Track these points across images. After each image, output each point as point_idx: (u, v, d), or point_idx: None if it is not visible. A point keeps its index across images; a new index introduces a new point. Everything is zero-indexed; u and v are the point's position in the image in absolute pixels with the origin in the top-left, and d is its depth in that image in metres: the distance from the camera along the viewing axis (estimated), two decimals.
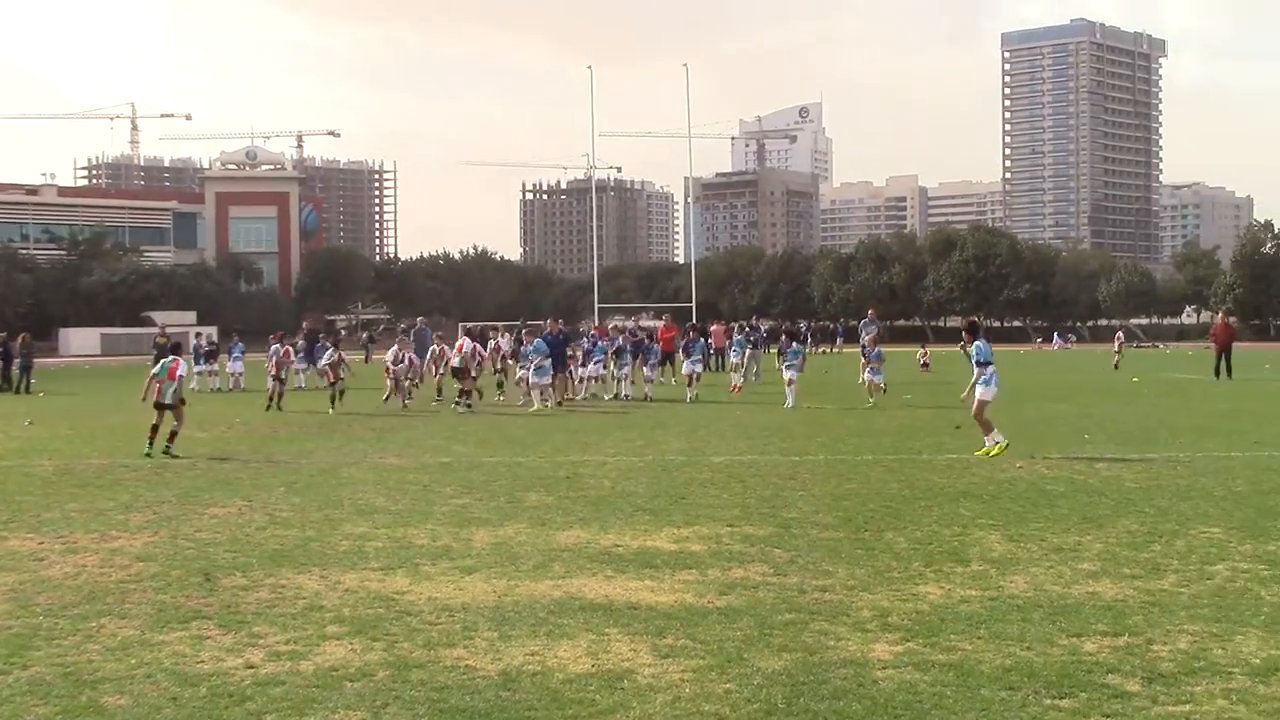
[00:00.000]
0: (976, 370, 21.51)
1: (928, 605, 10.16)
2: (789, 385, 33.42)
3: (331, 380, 33.43)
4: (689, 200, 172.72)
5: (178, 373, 22.50)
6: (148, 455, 21.56)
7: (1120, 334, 70.35)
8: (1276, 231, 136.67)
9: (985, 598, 10.42)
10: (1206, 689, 7.85)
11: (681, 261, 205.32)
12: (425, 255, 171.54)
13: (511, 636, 9.22)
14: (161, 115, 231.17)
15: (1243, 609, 9.97)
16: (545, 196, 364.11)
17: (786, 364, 34.72)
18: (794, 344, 36.72)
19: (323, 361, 36.33)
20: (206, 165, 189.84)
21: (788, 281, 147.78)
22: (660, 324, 51.18)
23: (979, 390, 21.40)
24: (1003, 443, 20.86)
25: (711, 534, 13.53)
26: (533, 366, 33.08)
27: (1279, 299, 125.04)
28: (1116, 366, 57.41)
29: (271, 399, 33.85)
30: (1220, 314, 67.52)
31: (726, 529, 13.87)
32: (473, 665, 8.47)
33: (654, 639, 9.11)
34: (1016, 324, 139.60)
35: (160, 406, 22.18)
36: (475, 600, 10.41)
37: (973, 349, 21.92)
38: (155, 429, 22.06)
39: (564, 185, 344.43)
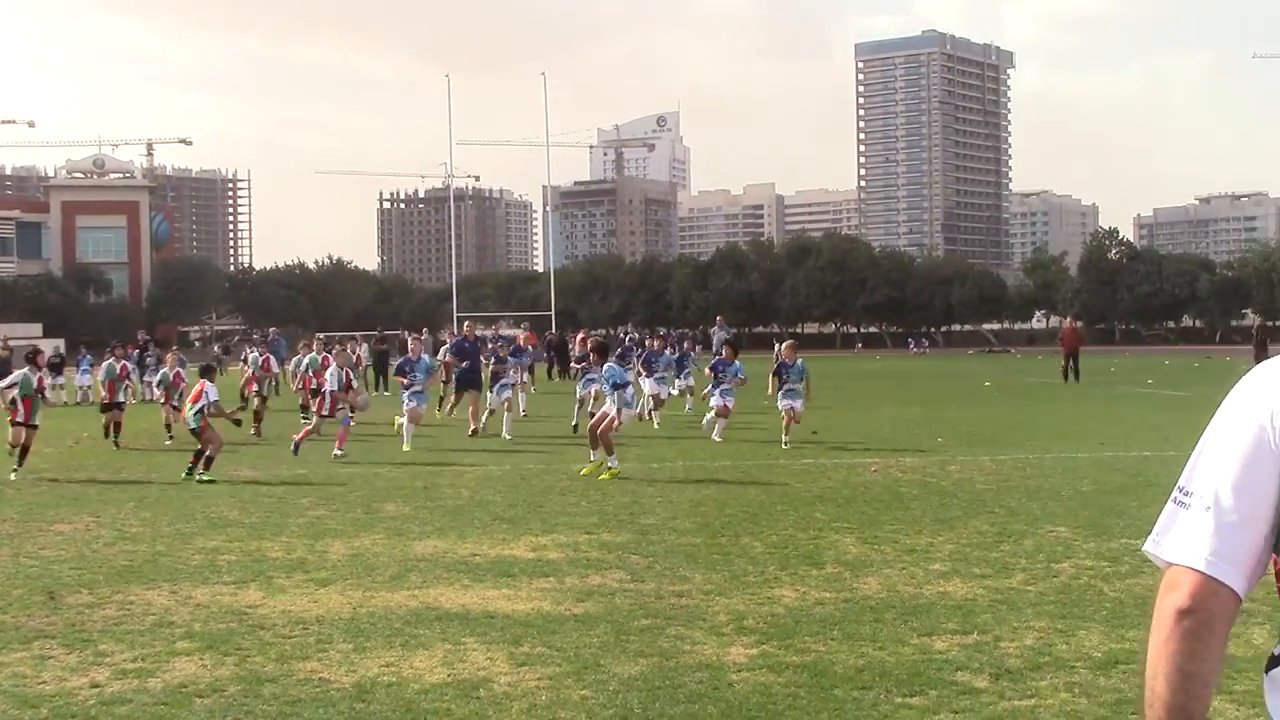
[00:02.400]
0: (614, 392, 20.26)
1: (783, 608, 10.26)
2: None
3: (164, 401, 28.19)
4: (548, 209, 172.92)
5: (204, 393, 20.61)
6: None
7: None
8: (1121, 238, 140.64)
9: (839, 599, 10.55)
10: (1051, 683, 8.04)
11: (541, 270, 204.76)
12: (280, 265, 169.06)
13: (366, 648, 9.13)
14: (2, 122, 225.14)
15: (1086, 605, 10.23)
16: (403, 205, 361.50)
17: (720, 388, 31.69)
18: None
19: (155, 379, 32.64)
20: (52, 173, 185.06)
21: (647, 289, 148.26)
22: (520, 333, 51.12)
23: (616, 409, 20.04)
24: (615, 469, 19.28)
25: (569, 542, 13.53)
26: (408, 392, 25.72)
27: (1124, 304, 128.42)
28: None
29: (108, 430, 27.12)
30: (1068, 319, 69.16)
31: (584, 536, 13.88)
32: (326, 678, 8.37)
33: (510, 647, 9.08)
34: (873, 330, 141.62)
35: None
36: (330, 612, 10.29)
37: (606, 372, 20.98)
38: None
39: (422, 194, 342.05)
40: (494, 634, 9.49)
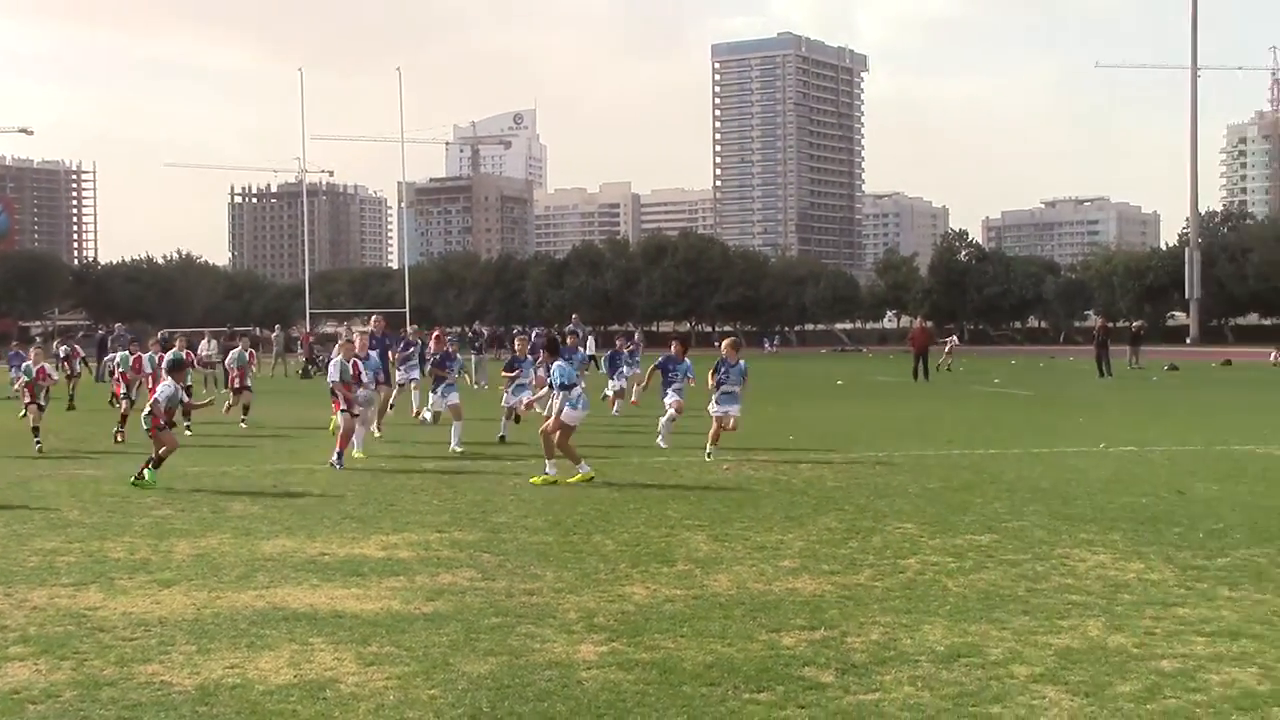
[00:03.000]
0: (560, 394, 18.88)
1: (633, 605, 10.29)
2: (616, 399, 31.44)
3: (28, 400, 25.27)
4: (403, 205, 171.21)
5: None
6: None
7: (953, 338, 71.82)
8: (970, 240, 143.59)
9: (689, 596, 10.61)
10: (895, 677, 8.16)
11: (395, 267, 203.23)
12: (127, 260, 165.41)
13: (210, 650, 8.96)
14: None
15: (930, 600, 10.41)
16: (255, 200, 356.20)
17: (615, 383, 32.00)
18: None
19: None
20: None
21: (502, 287, 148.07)
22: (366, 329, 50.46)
23: (565, 412, 18.78)
24: (587, 473, 18.28)
25: (420, 540, 13.41)
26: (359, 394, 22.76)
27: (973, 304, 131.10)
28: (949, 369, 58.43)
29: None
30: (918, 319, 70.34)
31: (436, 535, 13.78)
32: (168, 681, 8.19)
33: (359, 647, 8.98)
34: (728, 329, 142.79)
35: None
36: (173, 614, 10.08)
37: (554, 371, 19.30)
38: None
39: (274, 189, 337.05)
40: (342, 634, 9.38)
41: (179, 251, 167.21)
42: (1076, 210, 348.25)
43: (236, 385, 30.41)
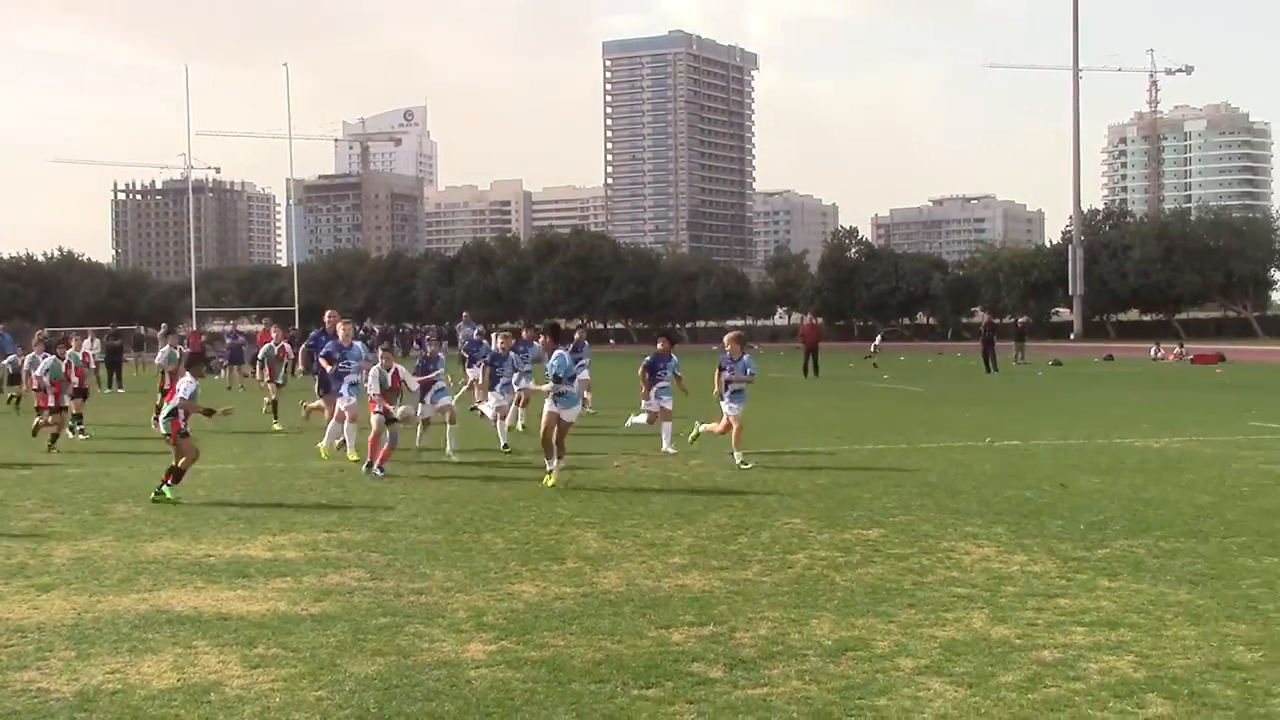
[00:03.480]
0: (553, 385, 17.99)
1: (522, 603, 10.26)
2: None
3: None
4: (291, 202, 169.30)
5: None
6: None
7: (879, 337, 72.06)
8: (860, 238, 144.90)
9: (579, 594, 10.60)
10: (783, 671, 8.21)
11: (284, 264, 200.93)
12: (5, 257, 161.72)
13: (90, 655, 8.79)
14: None
15: (818, 594, 10.49)
16: (139, 197, 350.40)
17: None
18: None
19: None
20: None
21: (392, 285, 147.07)
22: (260, 329, 50.02)
23: (567, 411, 18.16)
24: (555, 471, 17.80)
25: (308, 540, 13.27)
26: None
27: (862, 301, 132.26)
28: (875, 365, 58.68)
29: None
30: (808, 316, 70.92)
31: (324, 535, 13.64)
32: (46, 687, 8.02)
33: (244, 649, 8.87)
34: (619, 326, 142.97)
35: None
36: (52, 619, 9.87)
37: (554, 360, 18.18)
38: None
39: (159, 185, 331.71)
40: (227, 636, 9.25)
41: (60, 249, 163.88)
42: (964, 208, 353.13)
43: (53, 405, 24.66)
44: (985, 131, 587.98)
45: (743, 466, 19.43)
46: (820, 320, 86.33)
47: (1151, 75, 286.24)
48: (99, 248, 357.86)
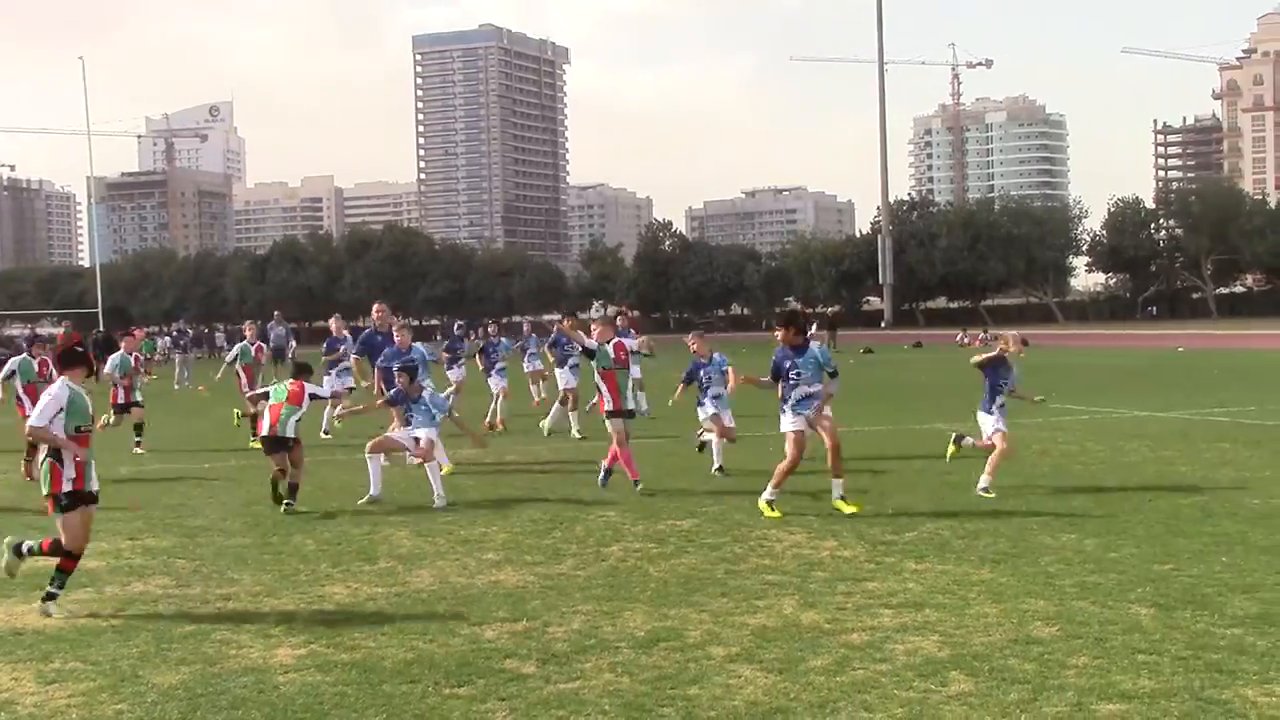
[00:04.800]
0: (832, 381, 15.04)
1: (333, 605, 10.12)
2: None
3: None
4: (92, 200, 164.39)
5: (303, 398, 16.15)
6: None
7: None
8: (674, 230, 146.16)
9: (391, 594, 10.49)
10: (595, 664, 8.22)
11: (86, 265, 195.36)
12: None
13: None
14: None
15: (632, 586, 10.53)
16: None
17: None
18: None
19: None
20: None
21: (202, 284, 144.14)
22: (60, 331, 48.57)
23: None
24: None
25: (110, 549, 12.88)
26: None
27: (678, 294, 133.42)
28: None
29: None
30: (624, 307, 71.03)
31: (127, 542, 13.27)
32: None
33: (39, 665, 8.57)
34: (434, 322, 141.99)
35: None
36: None
37: (816, 351, 15.07)
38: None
39: None
40: (21, 652, 8.94)
41: None
42: (776, 199, 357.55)
43: None
44: (795, 124, 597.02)
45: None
46: (637, 313, 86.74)
47: (954, 68, 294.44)
48: None
